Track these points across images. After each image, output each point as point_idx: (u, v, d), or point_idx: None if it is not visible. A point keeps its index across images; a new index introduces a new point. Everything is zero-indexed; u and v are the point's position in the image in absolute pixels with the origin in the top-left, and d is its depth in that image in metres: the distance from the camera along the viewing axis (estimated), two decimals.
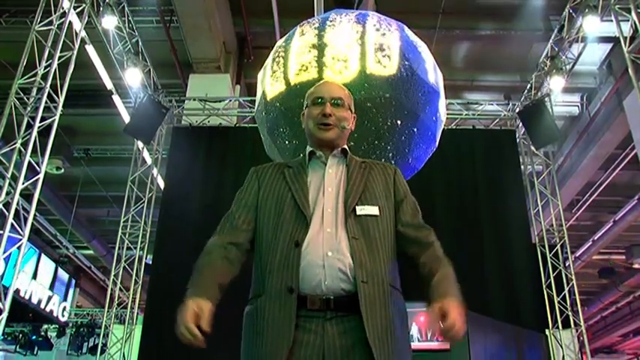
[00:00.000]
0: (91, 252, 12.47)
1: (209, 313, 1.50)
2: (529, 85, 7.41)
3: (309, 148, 1.86)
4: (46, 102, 4.96)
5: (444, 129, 3.66)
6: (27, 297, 8.90)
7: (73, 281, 10.89)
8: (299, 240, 1.60)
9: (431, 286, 1.57)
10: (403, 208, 1.76)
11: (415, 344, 4.63)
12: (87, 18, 5.80)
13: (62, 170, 9.58)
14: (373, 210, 1.69)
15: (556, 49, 6.90)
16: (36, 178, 4.84)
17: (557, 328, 6.61)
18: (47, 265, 9.67)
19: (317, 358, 1.48)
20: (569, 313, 6.62)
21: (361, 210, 1.67)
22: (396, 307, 1.60)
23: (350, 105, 1.91)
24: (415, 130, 3.18)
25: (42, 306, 9.51)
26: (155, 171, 7.70)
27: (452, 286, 1.56)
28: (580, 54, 6.85)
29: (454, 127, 7.43)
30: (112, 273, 7.03)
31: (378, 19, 3.41)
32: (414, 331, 4.73)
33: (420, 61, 3.26)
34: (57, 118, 5.08)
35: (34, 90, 4.97)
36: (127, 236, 7.20)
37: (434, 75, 3.36)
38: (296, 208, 1.67)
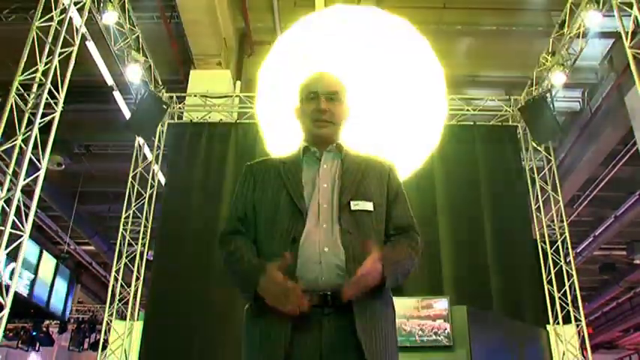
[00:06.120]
0: (92, 248, 12.48)
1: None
2: (530, 81, 7.39)
3: (303, 144, 1.82)
4: (46, 98, 4.94)
5: (444, 125, 3.65)
6: (28, 293, 8.92)
7: (75, 277, 10.91)
8: (296, 236, 1.59)
9: None
10: (395, 211, 1.75)
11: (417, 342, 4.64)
12: (87, 14, 5.78)
13: (63, 166, 9.58)
14: (367, 205, 1.68)
15: (557, 44, 6.88)
16: (37, 174, 4.83)
17: (558, 323, 6.61)
18: (48, 261, 9.68)
19: (315, 352, 1.48)
20: (570, 309, 6.62)
21: (355, 205, 1.66)
22: (384, 303, 1.61)
23: (345, 98, 1.86)
24: None
25: (43, 302, 9.53)
26: (156, 167, 7.69)
27: (385, 253, 1.59)
28: (581, 49, 6.81)
29: (455, 122, 7.41)
30: (113, 269, 7.03)
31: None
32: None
33: None
34: (58, 114, 5.07)
35: (35, 86, 4.95)
36: (128, 232, 7.20)
37: None
38: (292, 203, 1.65)
